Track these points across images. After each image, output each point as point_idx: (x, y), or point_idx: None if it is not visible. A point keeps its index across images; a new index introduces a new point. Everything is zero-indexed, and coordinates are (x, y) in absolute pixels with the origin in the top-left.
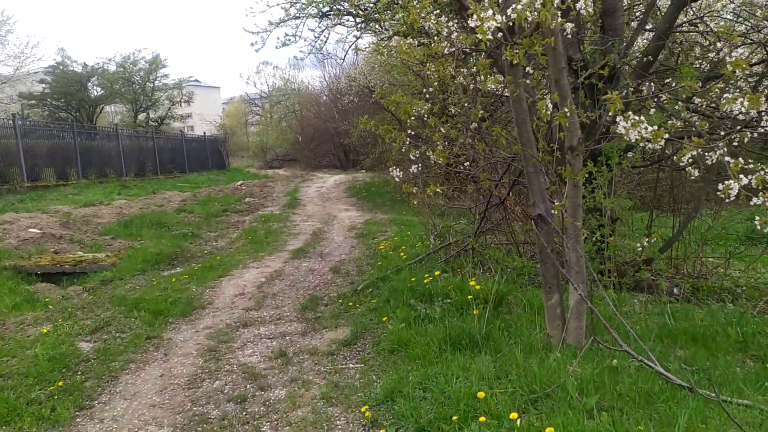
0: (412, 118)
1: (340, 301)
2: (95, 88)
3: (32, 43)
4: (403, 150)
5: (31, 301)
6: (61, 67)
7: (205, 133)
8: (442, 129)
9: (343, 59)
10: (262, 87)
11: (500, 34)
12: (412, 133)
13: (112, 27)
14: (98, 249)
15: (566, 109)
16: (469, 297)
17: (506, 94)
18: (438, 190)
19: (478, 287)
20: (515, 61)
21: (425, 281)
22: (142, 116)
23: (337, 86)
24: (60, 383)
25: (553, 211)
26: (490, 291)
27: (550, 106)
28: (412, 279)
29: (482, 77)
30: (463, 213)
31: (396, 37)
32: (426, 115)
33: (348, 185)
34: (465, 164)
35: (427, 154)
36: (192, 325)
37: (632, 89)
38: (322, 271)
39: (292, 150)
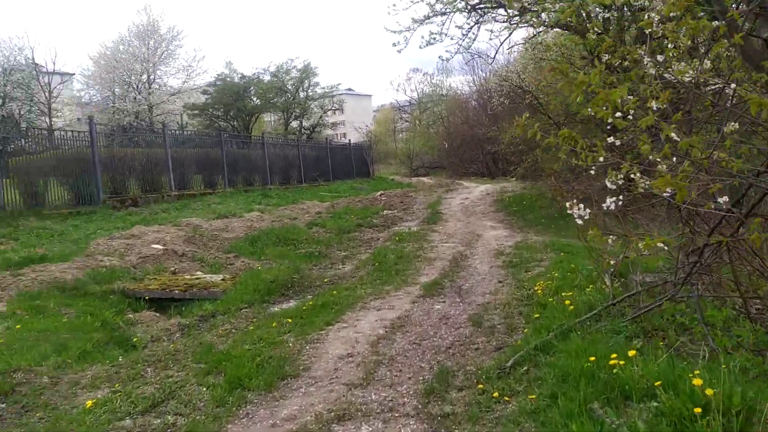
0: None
1: (480, 386)
2: (251, 97)
3: (198, 57)
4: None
5: (119, 341)
6: (226, 79)
7: (350, 140)
8: (673, 135)
9: (494, 58)
10: (412, 94)
11: None
12: (614, 141)
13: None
14: (218, 269)
15: None
16: (697, 410)
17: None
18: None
19: (710, 392)
20: None
21: (611, 362)
22: (294, 124)
23: (486, 88)
24: None
25: None
26: (725, 396)
27: None
28: (590, 357)
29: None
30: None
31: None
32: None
33: (495, 197)
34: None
35: (636, 177)
36: (271, 412)
37: None
38: (458, 321)
39: (439, 157)
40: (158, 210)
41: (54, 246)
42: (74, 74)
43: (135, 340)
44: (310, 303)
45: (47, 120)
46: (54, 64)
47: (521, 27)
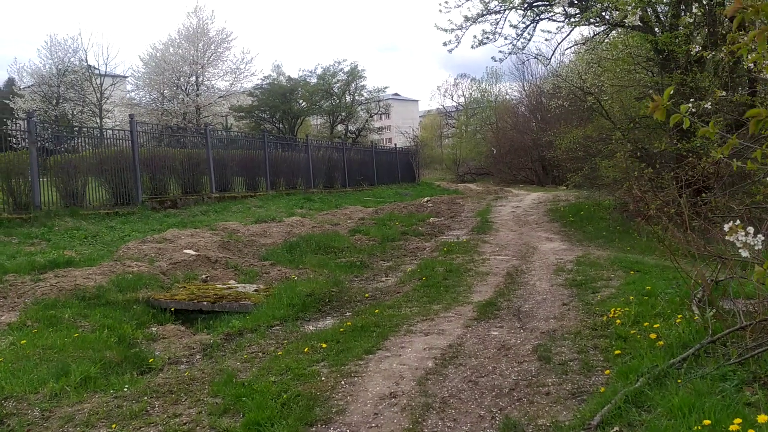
0: None
1: None
2: (297, 100)
3: (246, 59)
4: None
5: (134, 360)
6: (274, 81)
7: (396, 145)
8: None
9: (550, 59)
10: (459, 99)
11: None
12: None
13: (319, 40)
14: (252, 278)
15: None
16: None
17: None
18: None
19: None
20: None
21: (732, 428)
22: (339, 128)
23: (538, 93)
24: None
25: None
26: None
27: None
28: (704, 420)
29: None
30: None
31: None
32: None
33: (549, 206)
34: None
35: None
36: None
37: None
38: (521, 352)
39: (486, 163)
40: (197, 212)
41: (85, 248)
42: (127, 76)
43: (151, 361)
44: (349, 323)
45: (98, 120)
46: (106, 65)
47: (580, 25)
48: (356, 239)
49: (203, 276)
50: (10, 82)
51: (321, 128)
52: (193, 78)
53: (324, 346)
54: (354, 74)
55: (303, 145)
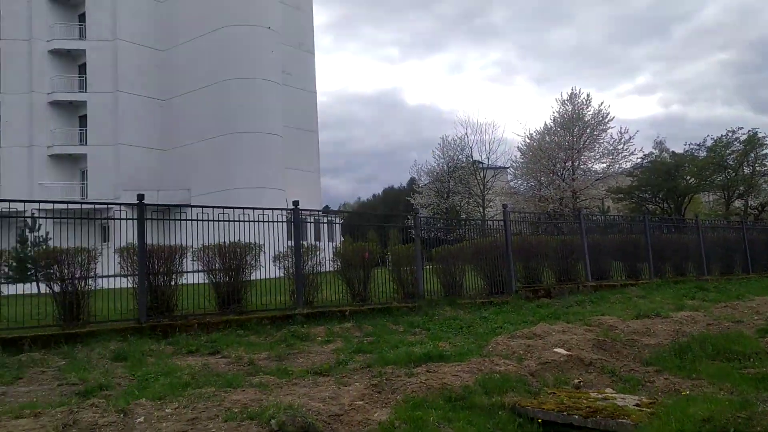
0: None
1: None
2: (684, 177)
3: (624, 139)
4: None
5: None
6: (656, 159)
7: None
8: None
9: None
10: None
11: None
12: None
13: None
14: (633, 387)
15: None
16: None
17: None
18: None
19: None
20: None
21: None
22: (737, 204)
23: None
24: None
25: None
26: None
27: None
28: None
29: None
30: None
31: None
32: None
33: None
34: None
35: None
36: None
37: None
38: None
39: None
40: (571, 302)
41: (458, 340)
42: (507, 167)
43: None
44: None
45: (481, 210)
46: (488, 159)
47: None
48: (767, 342)
49: (575, 381)
50: (411, 181)
51: (713, 206)
52: (569, 163)
53: None
54: (753, 142)
55: (692, 225)
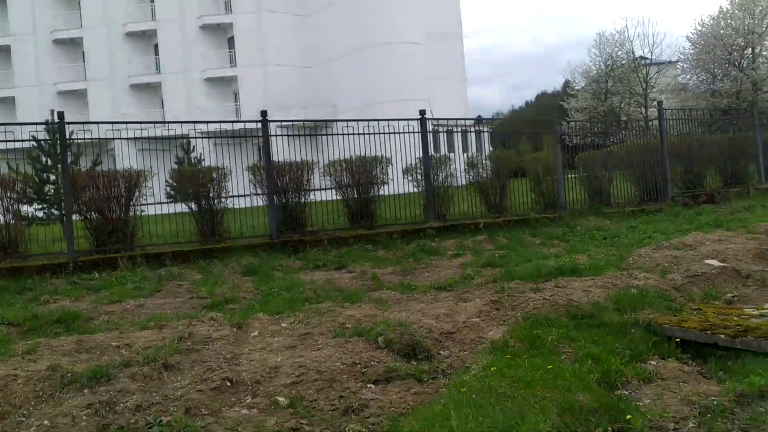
0: None
1: None
2: None
3: None
4: None
5: (609, 410)
6: None
7: None
8: None
9: None
10: None
11: None
12: None
13: None
14: None
15: None
16: None
17: None
18: None
19: None
20: None
21: None
22: None
23: None
24: None
25: None
26: None
27: None
28: None
29: None
30: None
31: None
32: None
33: None
34: None
35: None
36: None
37: None
38: None
39: None
40: (737, 208)
41: (598, 253)
42: (674, 61)
43: (629, 418)
44: None
45: (643, 111)
46: (651, 53)
47: None
48: None
49: (728, 295)
50: (566, 84)
51: None
52: (749, 50)
53: None
54: None
55: None
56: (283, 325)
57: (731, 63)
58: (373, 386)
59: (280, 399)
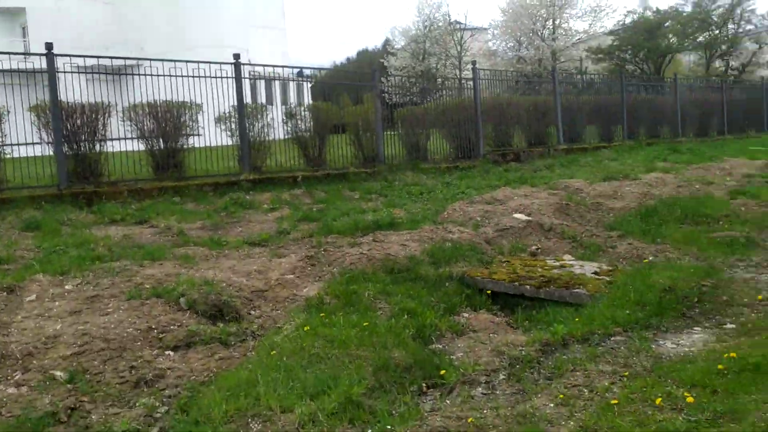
0: None
1: None
2: (666, 35)
3: None
4: None
5: (423, 367)
6: (637, 17)
7: None
8: None
9: None
10: None
11: None
12: None
13: None
14: (593, 253)
15: None
16: None
17: None
18: None
19: None
20: None
21: None
22: (717, 64)
23: None
24: None
25: None
26: None
27: None
28: None
29: None
30: None
31: None
32: None
33: None
34: None
35: None
36: None
37: None
38: None
39: None
40: (540, 166)
41: (415, 207)
42: (486, 28)
43: (443, 373)
44: (733, 354)
45: (457, 72)
46: (466, 18)
47: None
48: (739, 204)
49: (533, 247)
50: (386, 42)
51: (694, 66)
52: (550, 21)
53: (690, 399)
54: None
55: (669, 85)
56: (67, 287)
57: (535, 33)
58: (171, 353)
59: (58, 373)
